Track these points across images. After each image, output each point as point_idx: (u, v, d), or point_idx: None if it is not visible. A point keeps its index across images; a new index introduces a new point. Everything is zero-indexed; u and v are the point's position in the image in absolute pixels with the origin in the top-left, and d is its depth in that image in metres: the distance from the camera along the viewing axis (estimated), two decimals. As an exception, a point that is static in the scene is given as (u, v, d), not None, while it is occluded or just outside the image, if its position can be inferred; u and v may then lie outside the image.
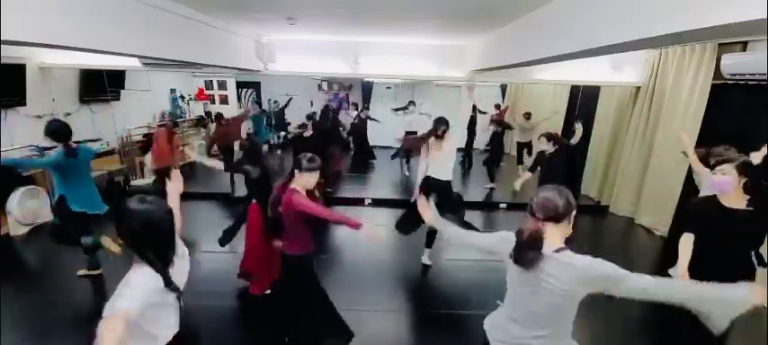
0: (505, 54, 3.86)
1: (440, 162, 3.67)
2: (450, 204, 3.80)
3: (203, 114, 9.04)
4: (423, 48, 5.40)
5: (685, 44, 4.42)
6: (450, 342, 2.96)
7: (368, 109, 9.07)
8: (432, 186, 3.68)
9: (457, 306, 3.40)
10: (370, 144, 9.12)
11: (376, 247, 4.37)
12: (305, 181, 2.31)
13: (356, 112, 8.95)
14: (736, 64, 3.87)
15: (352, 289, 3.50)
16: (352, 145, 9.20)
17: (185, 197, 6.17)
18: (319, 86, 10.53)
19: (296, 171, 2.32)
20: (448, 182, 3.72)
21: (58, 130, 3.19)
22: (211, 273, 3.81)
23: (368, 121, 8.77)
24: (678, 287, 1.38)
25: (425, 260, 4.01)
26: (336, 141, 6.74)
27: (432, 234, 3.88)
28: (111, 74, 6.05)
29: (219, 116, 6.94)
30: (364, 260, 4.10)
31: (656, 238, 4.96)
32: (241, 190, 6.04)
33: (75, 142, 3.33)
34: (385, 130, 8.81)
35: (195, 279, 3.67)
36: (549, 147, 4.23)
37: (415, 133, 7.29)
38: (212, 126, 8.71)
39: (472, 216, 5.46)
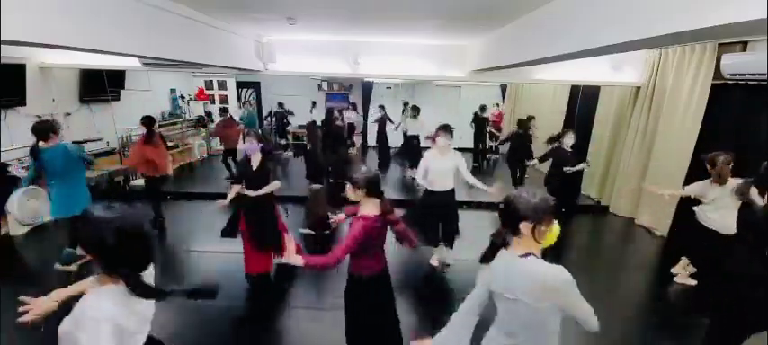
0: (505, 54, 3.86)
1: (445, 171, 3.58)
2: (453, 215, 3.78)
3: (203, 114, 9.05)
4: (423, 48, 5.40)
5: (685, 44, 4.42)
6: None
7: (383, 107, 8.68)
8: (436, 199, 3.63)
9: (457, 305, 3.39)
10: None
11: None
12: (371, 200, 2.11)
13: (379, 113, 8.62)
14: (736, 64, 3.87)
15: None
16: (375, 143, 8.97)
17: (185, 197, 6.17)
18: (319, 86, 10.53)
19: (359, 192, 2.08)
20: (452, 191, 3.66)
21: (33, 129, 3.29)
22: (212, 272, 3.82)
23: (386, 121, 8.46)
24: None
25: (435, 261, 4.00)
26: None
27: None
28: (111, 74, 6.05)
29: (225, 110, 6.93)
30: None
31: (657, 238, 4.96)
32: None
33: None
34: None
35: (195, 279, 3.68)
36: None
37: (416, 138, 7.26)
38: (212, 125, 8.72)
39: (475, 216, 5.47)
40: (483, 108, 8.71)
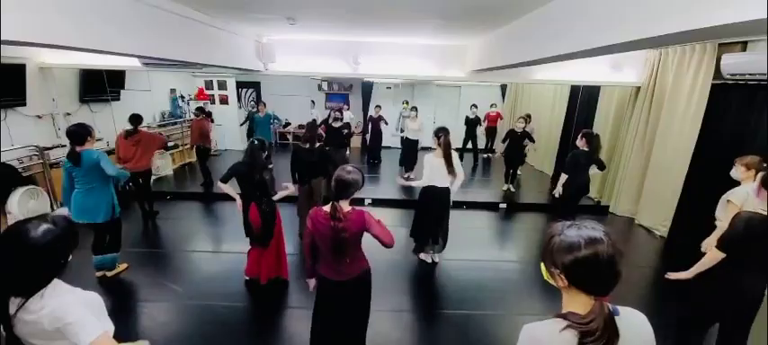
0: (505, 54, 3.86)
1: (441, 169, 3.62)
2: (446, 212, 3.83)
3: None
4: (423, 48, 5.40)
5: (685, 44, 4.43)
6: (449, 341, 2.97)
7: (380, 107, 8.80)
8: (431, 195, 3.70)
9: (456, 306, 3.40)
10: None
11: (375, 247, 4.39)
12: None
13: (373, 114, 8.75)
14: (736, 64, 3.86)
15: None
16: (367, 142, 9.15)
17: (183, 197, 6.19)
18: (319, 86, 10.53)
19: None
20: (446, 189, 3.70)
21: (68, 133, 3.18)
22: (211, 273, 3.82)
23: (381, 121, 8.56)
24: None
25: (428, 258, 4.05)
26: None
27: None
28: (111, 74, 6.05)
29: (201, 109, 6.90)
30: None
31: (657, 238, 4.96)
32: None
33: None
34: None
35: (195, 279, 3.69)
36: (582, 144, 4.36)
37: (417, 142, 7.24)
38: (211, 125, 8.69)
39: (476, 216, 5.47)
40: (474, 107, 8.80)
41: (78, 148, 3.15)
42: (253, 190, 3.26)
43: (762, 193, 2.14)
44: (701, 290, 2.35)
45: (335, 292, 2.19)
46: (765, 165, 2.73)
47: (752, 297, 2.17)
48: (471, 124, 8.66)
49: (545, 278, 1.05)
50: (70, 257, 1.25)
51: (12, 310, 1.14)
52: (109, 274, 3.56)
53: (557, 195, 4.56)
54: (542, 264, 1.04)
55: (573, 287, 0.97)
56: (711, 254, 2.13)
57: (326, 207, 2.03)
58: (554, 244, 0.98)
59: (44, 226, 1.17)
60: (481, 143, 9.12)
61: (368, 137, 9.21)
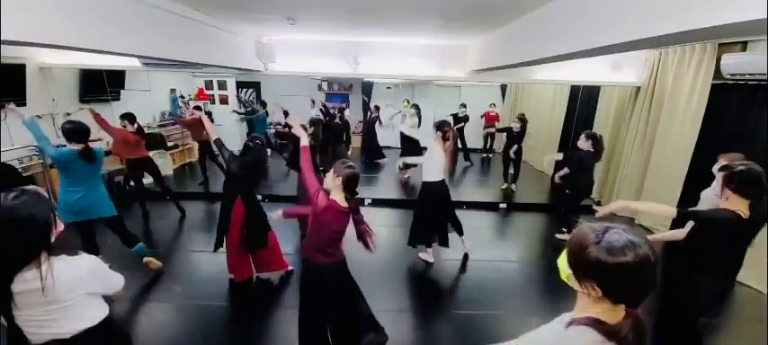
0: (505, 54, 3.86)
1: (437, 163, 3.74)
2: (447, 206, 3.93)
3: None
4: (423, 48, 5.40)
5: (685, 44, 4.43)
6: (449, 341, 2.97)
7: (379, 108, 8.81)
8: (428, 190, 3.79)
9: (457, 306, 3.40)
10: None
11: (377, 247, 4.38)
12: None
13: (371, 112, 8.76)
14: (736, 64, 3.87)
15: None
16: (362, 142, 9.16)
17: (183, 197, 6.16)
18: (319, 86, 10.53)
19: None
20: (442, 182, 3.82)
21: (69, 131, 3.15)
22: (211, 273, 3.81)
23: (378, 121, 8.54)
24: None
25: (428, 257, 4.06)
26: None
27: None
28: (111, 74, 6.05)
29: (198, 108, 6.87)
30: (362, 260, 4.08)
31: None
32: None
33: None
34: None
35: (195, 279, 3.68)
36: (587, 146, 4.38)
37: (417, 141, 7.21)
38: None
39: (474, 216, 5.47)
40: (463, 107, 8.83)
41: (74, 146, 3.10)
42: (242, 185, 3.22)
43: (725, 192, 2.04)
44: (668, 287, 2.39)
45: (324, 277, 2.29)
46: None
47: (710, 295, 2.25)
48: (460, 122, 8.68)
49: (563, 278, 0.97)
50: (53, 226, 1.33)
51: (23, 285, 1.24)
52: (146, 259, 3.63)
53: (557, 180, 4.81)
54: (562, 263, 0.97)
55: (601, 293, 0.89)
56: (673, 231, 2.16)
57: (340, 201, 2.15)
58: (591, 250, 0.88)
59: (12, 194, 1.26)
60: (472, 143, 9.17)
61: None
